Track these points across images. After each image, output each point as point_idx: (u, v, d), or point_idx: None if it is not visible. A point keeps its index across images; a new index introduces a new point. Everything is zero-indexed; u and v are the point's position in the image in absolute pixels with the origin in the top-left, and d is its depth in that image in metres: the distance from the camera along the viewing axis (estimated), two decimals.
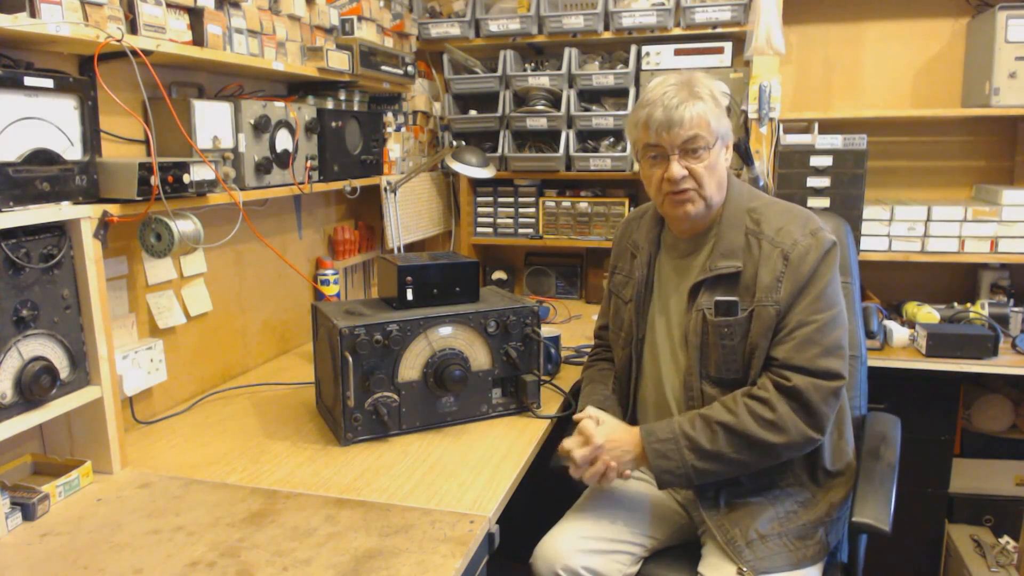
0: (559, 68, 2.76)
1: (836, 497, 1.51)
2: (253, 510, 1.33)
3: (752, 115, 2.43)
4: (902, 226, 2.49)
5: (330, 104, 2.24)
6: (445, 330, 1.67)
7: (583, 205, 2.89)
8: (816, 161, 2.46)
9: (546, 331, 1.90)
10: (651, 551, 1.57)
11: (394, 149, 2.60)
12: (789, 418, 1.38)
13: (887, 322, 2.38)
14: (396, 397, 1.62)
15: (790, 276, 1.41)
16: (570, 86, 2.76)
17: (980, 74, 2.48)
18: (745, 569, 1.38)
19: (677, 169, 1.45)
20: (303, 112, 2.03)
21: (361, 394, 1.58)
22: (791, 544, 1.43)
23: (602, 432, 1.48)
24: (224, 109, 1.76)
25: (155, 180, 1.44)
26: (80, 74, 1.51)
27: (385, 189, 2.49)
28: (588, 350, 1.88)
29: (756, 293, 1.43)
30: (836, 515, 1.50)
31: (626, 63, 2.74)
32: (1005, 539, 2.32)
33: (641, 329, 1.62)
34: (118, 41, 1.40)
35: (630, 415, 1.66)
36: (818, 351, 1.39)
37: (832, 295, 1.43)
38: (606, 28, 2.71)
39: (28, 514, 1.30)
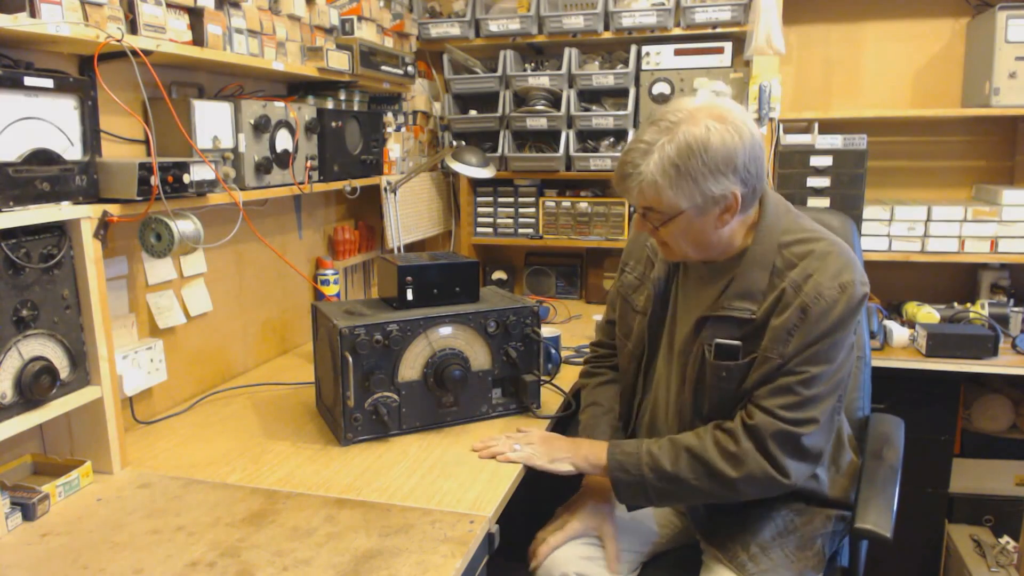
0: (559, 68, 2.76)
1: (831, 511, 1.49)
2: (253, 510, 1.33)
3: (752, 115, 2.43)
4: (902, 226, 2.49)
5: (330, 104, 2.24)
6: (445, 330, 1.67)
7: (583, 205, 2.89)
8: (816, 161, 2.46)
9: (546, 331, 1.90)
10: (650, 555, 1.57)
11: (394, 149, 2.60)
12: (751, 455, 1.31)
13: (887, 322, 2.38)
14: (396, 397, 1.62)
15: (803, 331, 1.30)
16: (570, 86, 2.76)
17: (980, 74, 2.48)
18: None
19: (637, 223, 1.41)
20: (303, 112, 2.03)
21: (361, 394, 1.58)
22: (792, 555, 1.41)
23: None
24: (224, 109, 1.76)
25: (155, 180, 1.44)
26: (80, 74, 1.51)
27: (385, 189, 2.49)
28: (588, 350, 1.86)
29: (764, 341, 1.33)
30: (832, 528, 1.48)
31: (626, 63, 2.74)
32: (1005, 539, 2.32)
33: (653, 348, 1.55)
34: (118, 41, 1.40)
35: (631, 430, 1.61)
36: (792, 400, 1.31)
37: (833, 350, 1.32)
38: (606, 28, 2.71)
39: (28, 514, 1.29)
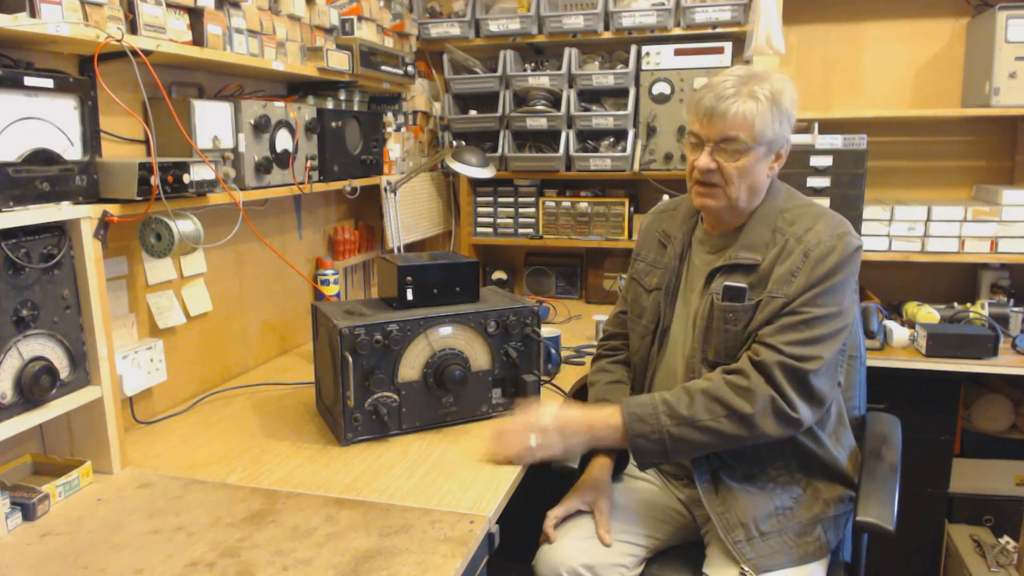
0: (559, 68, 2.76)
1: (830, 495, 1.51)
2: (253, 510, 1.33)
3: None
4: (902, 226, 2.49)
5: (330, 104, 2.24)
6: (445, 330, 1.67)
7: (583, 205, 2.89)
8: (816, 161, 2.46)
9: (546, 331, 1.90)
10: (654, 551, 1.57)
11: (394, 149, 2.60)
12: (761, 387, 1.38)
13: (887, 322, 2.38)
14: (396, 397, 1.62)
15: (805, 271, 1.42)
16: (570, 86, 2.76)
17: (980, 74, 2.48)
18: (747, 569, 1.38)
19: (705, 160, 1.47)
20: (303, 112, 2.03)
21: (361, 394, 1.58)
22: (792, 541, 1.44)
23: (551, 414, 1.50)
24: (224, 109, 1.76)
25: (155, 180, 1.44)
26: (80, 74, 1.51)
27: (385, 189, 2.49)
28: (588, 350, 1.86)
29: (769, 284, 1.45)
30: (832, 513, 1.50)
31: (626, 63, 2.74)
32: (1005, 539, 2.32)
33: (666, 319, 1.61)
34: (118, 41, 1.40)
35: None
36: (796, 337, 1.39)
37: (835, 294, 1.42)
38: (606, 28, 2.71)
39: (28, 514, 1.29)
